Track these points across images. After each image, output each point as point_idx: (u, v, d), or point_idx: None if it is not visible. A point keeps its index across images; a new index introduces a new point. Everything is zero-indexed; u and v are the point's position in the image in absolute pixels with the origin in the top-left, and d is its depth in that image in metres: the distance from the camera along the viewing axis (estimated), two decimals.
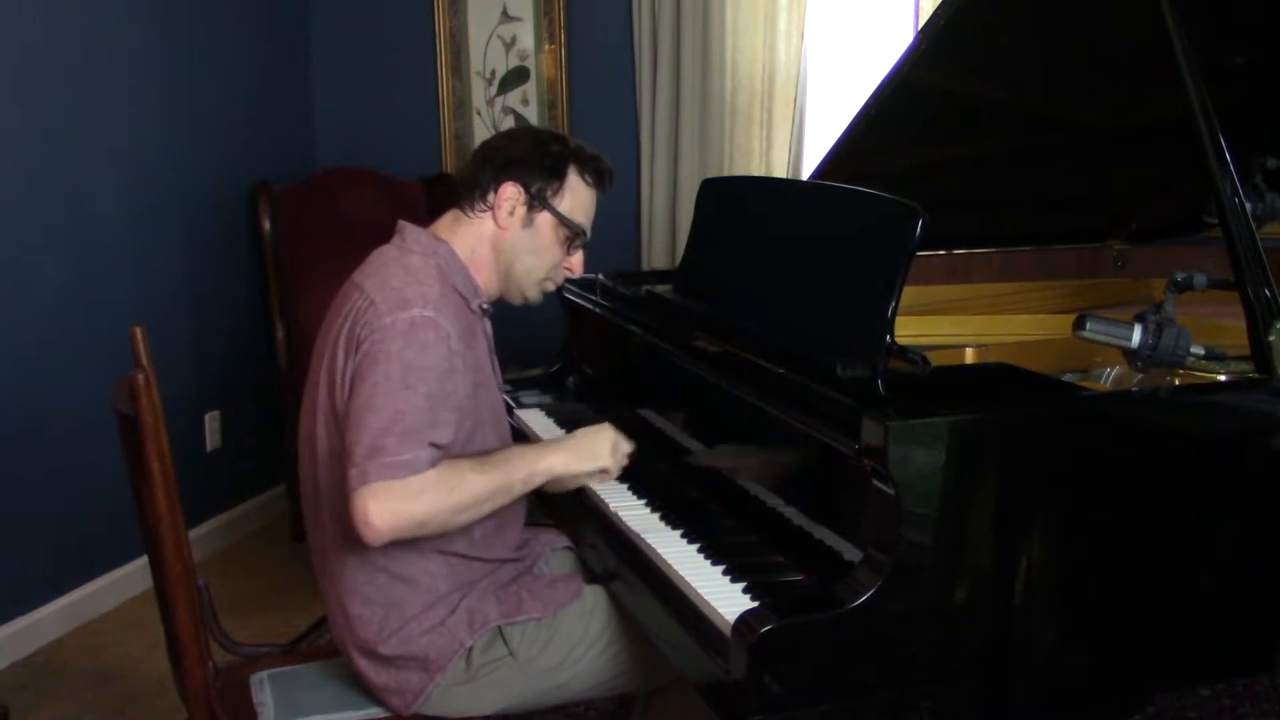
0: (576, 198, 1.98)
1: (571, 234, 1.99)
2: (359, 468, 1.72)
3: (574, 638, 1.93)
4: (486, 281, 1.98)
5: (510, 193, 1.93)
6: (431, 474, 1.76)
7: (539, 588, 1.96)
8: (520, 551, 2.02)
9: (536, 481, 1.90)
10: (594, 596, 1.98)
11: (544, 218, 1.96)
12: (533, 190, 1.94)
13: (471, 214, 1.95)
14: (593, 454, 1.95)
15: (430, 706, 1.89)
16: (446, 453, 1.80)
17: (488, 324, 1.99)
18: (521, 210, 1.95)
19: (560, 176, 1.96)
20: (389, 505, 1.71)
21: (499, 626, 1.89)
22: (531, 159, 1.94)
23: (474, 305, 1.94)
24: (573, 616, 1.94)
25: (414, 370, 1.76)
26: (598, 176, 2.00)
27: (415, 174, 4.20)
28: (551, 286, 2.04)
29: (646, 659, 1.94)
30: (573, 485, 1.99)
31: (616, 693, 2.04)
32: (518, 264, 1.98)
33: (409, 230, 1.95)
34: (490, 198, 1.94)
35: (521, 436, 2.44)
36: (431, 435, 1.76)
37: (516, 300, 2.02)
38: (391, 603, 1.87)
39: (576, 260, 2.02)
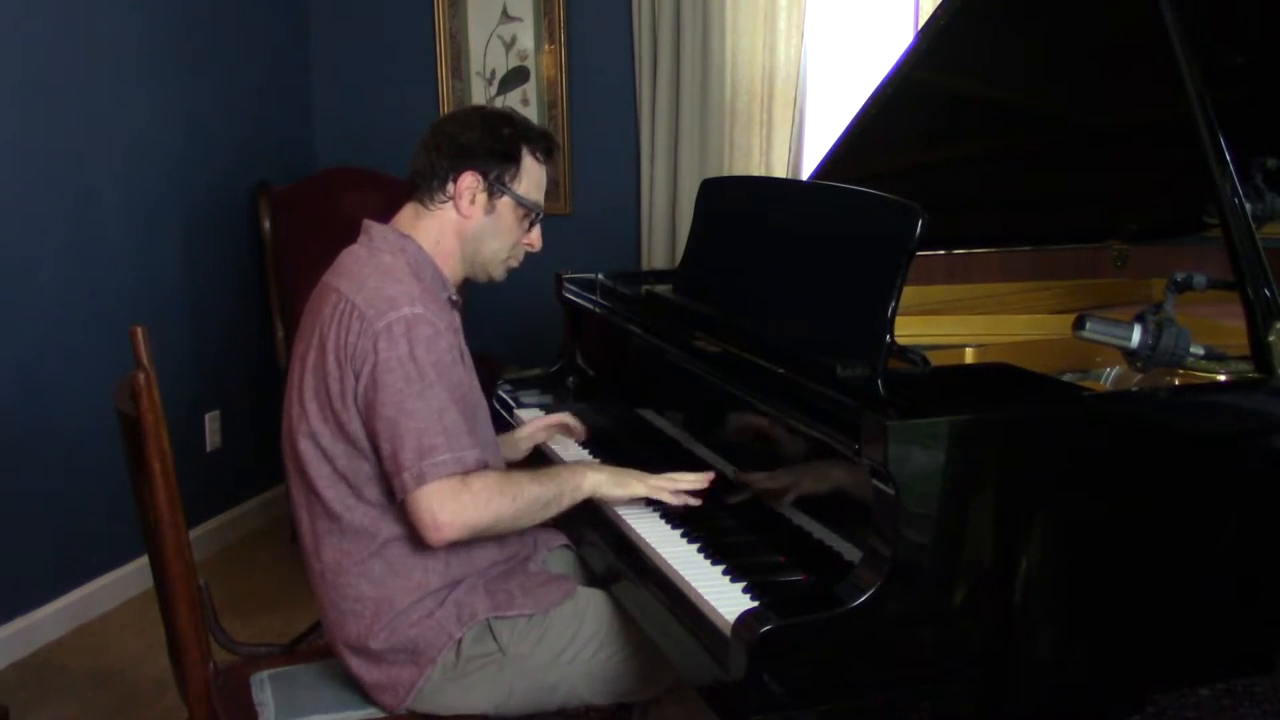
0: (531, 177, 2.00)
1: (529, 213, 2.01)
2: (411, 470, 1.77)
3: (565, 638, 1.93)
4: (453, 270, 1.99)
5: (469, 181, 1.95)
6: (493, 481, 1.82)
7: (532, 585, 1.96)
8: (514, 547, 2.01)
9: (580, 496, 1.95)
10: (587, 598, 1.98)
11: (504, 202, 1.98)
12: (491, 177, 1.95)
13: (431, 205, 1.96)
14: (624, 482, 1.98)
15: (422, 703, 1.89)
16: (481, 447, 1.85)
17: (457, 317, 2.01)
18: (482, 197, 1.96)
19: (515, 160, 1.97)
20: (461, 514, 1.78)
21: (488, 621, 1.89)
22: (485, 145, 1.95)
23: (443, 298, 1.95)
24: (564, 616, 1.94)
25: (427, 367, 1.80)
26: (548, 154, 2.03)
27: None
28: (515, 264, 2.07)
29: (642, 666, 1.94)
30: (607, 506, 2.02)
31: (611, 700, 2.03)
32: (483, 249, 2.00)
33: (375, 229, 1.97)
34: (449, 188, 1.95)
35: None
36: (466, 427, 1.82)
37: (482, 280, 2.06)
38: (383, 598, 1.87)
39: (535, 235, 2.05)
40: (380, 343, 1.79)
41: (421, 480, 1.76)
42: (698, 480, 1.99)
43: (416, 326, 1.80)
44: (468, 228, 1.97)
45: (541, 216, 2.03)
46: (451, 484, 1.78)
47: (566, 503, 1.93)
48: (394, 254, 1.92)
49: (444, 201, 1.96)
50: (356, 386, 1.81)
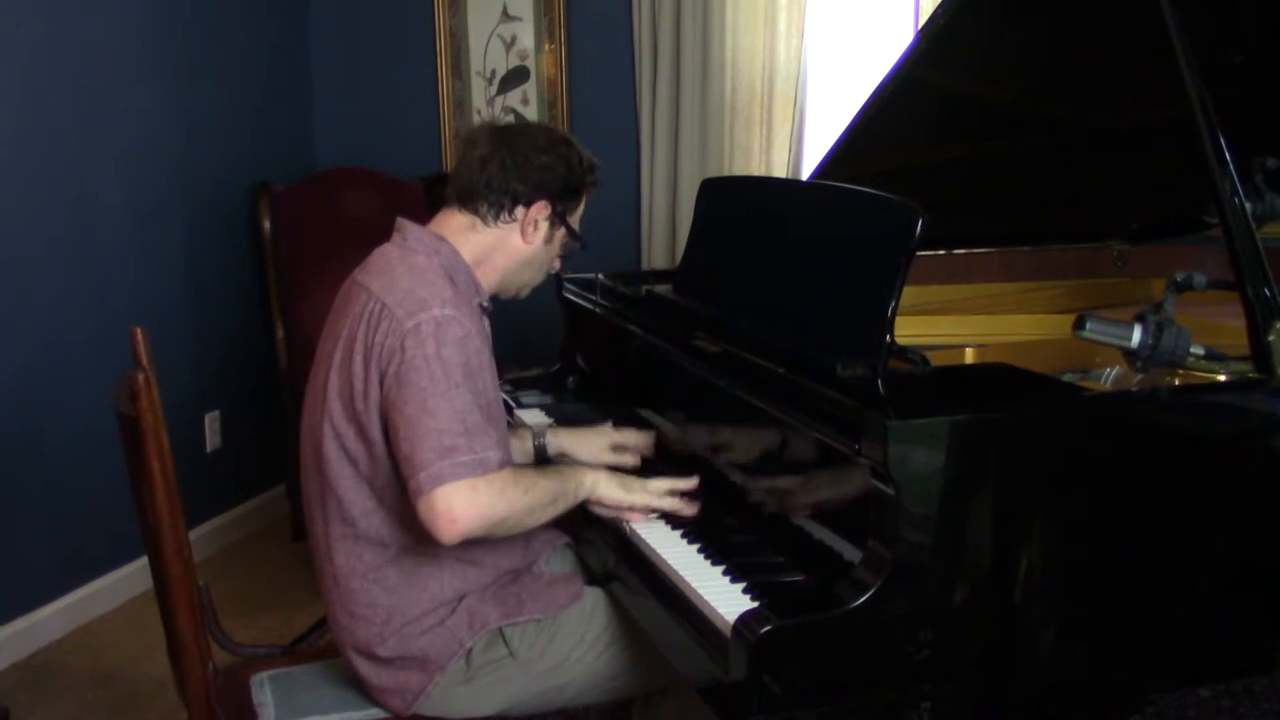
0: (580, 208, 2.04)
1: (574, 242, 2.04)
2: (430, 470, 1.73)
3: (574, 639, 1.93)
4: (490, 283, 1.99)
5: (540, 210, 1.96)
6: (507, 473, 1.80)
7: (539, 588, 1.96)
8: (522, 552, 2.02)
9: (583, 495, 1.93)
10: (594, 598, 1.98)
11: (560, 233, 2.00)
12: (558, 210, 1.97)
13: (494, 224, 1.95)
14: (627, 486, 1.96)
15: (430, 707, 1.89)
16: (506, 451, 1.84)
17: (487, 322, 2.00)
18: (545, 226, 1.97)
19: (580, 195, 2.01)
20: (476, 503, 1.73)
21: (499, 627, 1.89)
22: (562, 178, 1.95)
23: (474, 304, 1.94)
24: (573, 618, 1.95)
25: (454, 368, 1.78)
26: (595, 186, 2.05)
27: (415, 174, 4.20)
28: (538, 283, 2.09)
29: (646, 661, 1.94)
30: (605, 512, 1.98)
31: (615, 696, 2.04)
32: (527, 271, 2.02)
33: (410, 229, 1.94)
34: (519, 211, 1.95)
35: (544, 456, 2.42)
36: (492, 430, 1.80)
37: (508, 297, 2.06)
38: (395, 607, 1.87)
39: (558, 260, 2.08)
40: (408, 341, 1.77)
41: (440, 480, 1.72)
42: (687, 483, 1.97)
43: (447, 328, 1.79)
44: (524, 252, 1.98)
45: (584, 247, 2.06)
46: (469, 481, 1.74)
47: (570, 500, 1.92)
48: (428, 255, 1.90)
49: (509, 222, 1.95)
50: (381, 386, 1.79)
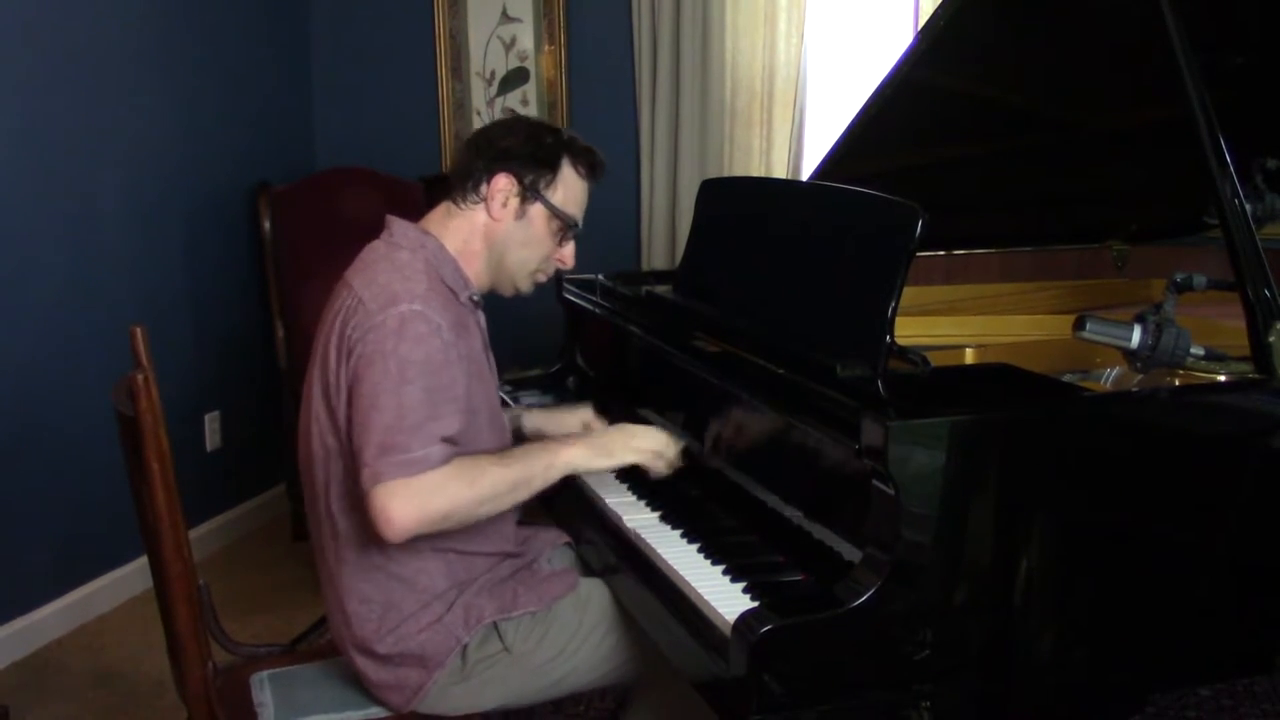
0: (569, 189, 1.98)
1: (564, 225, 1.98)
2: (371, 467, 1.73)
3: (569, 630, 1.93)
4: (478, 273, 1.97)
5: (503, 184, 1.93)
6: (449, 468, 1.76)
7: (534, 582, 1.96)
8: (520, 547, 2.02)
9: (555, 474, 1.90)
10: (589, 588, 1.98)
11: (536, 209, 1.95)
12: (526, 182, 1.93)
13: (464, 205, 1.95)
14: (608, 451, 1.95)
15: (429, 704, 1.89)
16: (457, 447, 1.80)
17: (481, 316, 1.99)
18: (514, 202, 1.94)
19: (554, 168, 1.95)
20: (411, 501, 1.72)
21: (494, 622, 1.89)
22: (525, 150, 1.93)
23: (463, 298, 1.93)
24: (568, 609, 1.94)
25: (410, 364, 1.76)
26: (591, 169, 2.00)
27: (415, 174, 4.20)
28: (543, 278, 2.04)
29: (642, 648, 1.94)
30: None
31: (613, 683, 2.04)
32: (510, 256, 1.97)
33: (396, 225, 1.95)
34: (483, 189, 1.93)
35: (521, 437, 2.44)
36: (438, 428, 1.77)
37: (508, 292, 2.02)
38: (389, 602, 1.87)
39: (568, 252, 2.02)
40: (370, 335, 1.78)
41: (377, 479, 1.72)
42: (672, 446, 1.98)
43: (411, 323, 1.78)
44: (497, 231, 1.94)
45: (578, 231, 2.00)
46: (404, 481, 1.72)
47: (539, 484, 1.88)
48: (412, 251, 1.90)
49: (476, 202, 1.94)
50: (347, 378, 1.80)
